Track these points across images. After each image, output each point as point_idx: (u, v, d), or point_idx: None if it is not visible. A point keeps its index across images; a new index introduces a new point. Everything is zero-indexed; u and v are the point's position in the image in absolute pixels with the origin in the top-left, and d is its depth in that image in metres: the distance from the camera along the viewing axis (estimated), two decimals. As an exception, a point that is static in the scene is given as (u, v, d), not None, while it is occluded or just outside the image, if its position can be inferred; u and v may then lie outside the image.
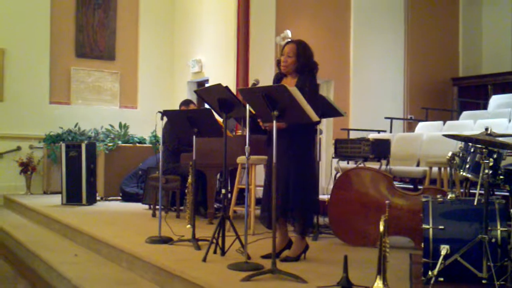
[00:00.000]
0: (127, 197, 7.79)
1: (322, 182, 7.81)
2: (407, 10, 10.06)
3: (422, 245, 3.11)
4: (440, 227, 3.09)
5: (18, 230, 6.11)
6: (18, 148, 8.85)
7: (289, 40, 4.19)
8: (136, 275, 3.99)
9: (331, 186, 4.83)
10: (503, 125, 6.58)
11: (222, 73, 8.42)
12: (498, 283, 2.85)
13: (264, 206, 3.83)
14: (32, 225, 6.53)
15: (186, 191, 5.00)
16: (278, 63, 3.93)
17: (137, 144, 8.78)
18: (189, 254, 4.02)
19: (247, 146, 3.57)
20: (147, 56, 9.95)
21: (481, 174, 3.09)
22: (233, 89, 6.84)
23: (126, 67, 9.85)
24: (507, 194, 3.61)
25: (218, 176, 5.88)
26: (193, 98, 8.20)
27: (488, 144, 3.11)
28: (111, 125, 9.04)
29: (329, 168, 7.95)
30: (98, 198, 7.76)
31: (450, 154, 3.36)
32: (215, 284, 3.16)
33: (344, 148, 5.47)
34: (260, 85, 3.54)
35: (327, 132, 8.84)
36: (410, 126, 9.68)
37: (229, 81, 7.78)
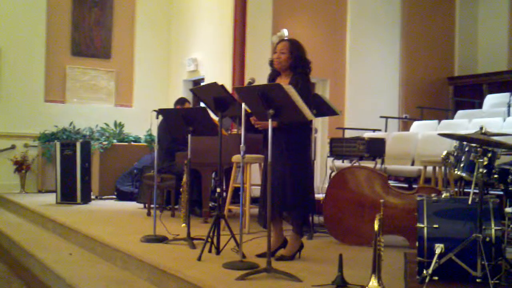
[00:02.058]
0: (122, 196, 7.77)
1: (317, 181, 7.82)
2: (403, 9, 10.08)
3: (417, 244, 3.11)
4: (435, 226, 3.09)
5: (12, 229, 6.08)
6: (13, 147, 8.81)
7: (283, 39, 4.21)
8: (131, 274, 3.98)
9: (326, 185, 4.84)
10: (497, 124, 6.61)
11: (218, 72, 8.41)
12: (492, 282, 2.86)
13: (261, 205, 3.83)
14: (26, 224, 6.51)
15: (181, 190, 4.99)
16: (270, 63, 3.93)
17: (132, 143, 8.76)
18: (184, 253, 4.02)
19: (242, 145, 3.57)
20: (143, 54, 9.93)
21: (475, 173, 3.09)
22: (229, 87, 6.82)
23: (121, 66, 9.82)
24: (501, 193, 3.63)
25: (213, 175, 5.87)
26: (189, 96, 8.18)
27: (482, 143, 3.12)
28: (106, 124, 9.02)
29: (324, 167, 7.96)
30: (92, 197, 7.73)
31: (444, 153, 3.37)
32: (210, 283, 3.16)
33: (339, 147, 5.48)
34: (255, 84, 3.54)
35: (322, 131, 8.85)
36: (405, 125, 9.71)
37: (225, 79, 7.77)
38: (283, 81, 3.79)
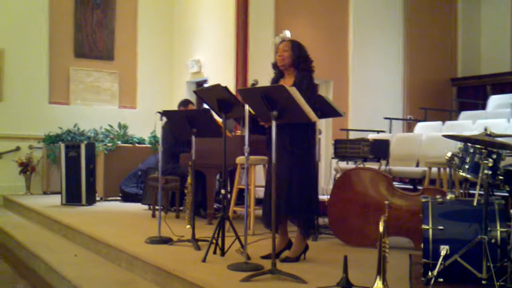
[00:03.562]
0: (127, 197, 7.78)
1: (322, 183, 7.81)
2: (406, 10, 10.07)
3: (422, 245, 3.11)
4: (440, 227, 3.09)
5: (17, 230, 6.10)
6: (18, 148, 8.85)
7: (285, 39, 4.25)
8: (136, 275, 3.99)
9: (330, 187, 4.84)
10: (502, 125, 6.58)
11: (221, 73, 8.42)
12: (497, 283, 2.86)
13: (266, 207, 3.82)
14: (31, 226, 6.53)
15: (185, 191, 5.00)
16: (273, 66, 3.95)
17: (137, 144, 8.78)
18: (189, 254, 4.02)
19: (246, 146, 3.57)
20: (146, 56, 9.95)
21: (480, 175, 3.09)
22: (232, 89, 6.83)
23: (125, 67, 9.84)
24: (507, 194, 3.62)
25: (218, 176, 5.88)
26: (192, 98, 8.19)
27: (487, 144, 3.12)
28: (110, 125, 9.04)
29: (328, 168, 7.96)
30: (97, 198, 7.75)
31: (449, 154, 3.36)
32: (215, 285, 3.17)
33: (344, 148, 5.48)
34: (259, 85, 3.54)
35: (326, 132, 8.84)
36: (409, 126, 9.69)
37: (228, 81, 7.78)
38: (287, 81, 3.81)
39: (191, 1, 9.70)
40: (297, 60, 3.83)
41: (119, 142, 8.47)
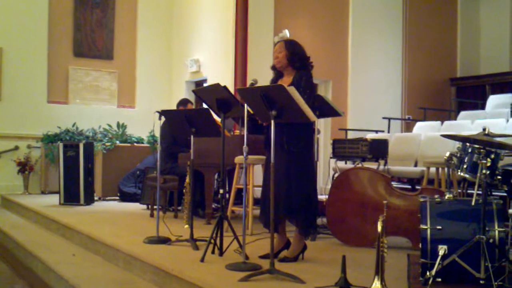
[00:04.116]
0: (125, 197, 7.78)
1: (320, 182, 7.80)
2: (405, 10, 10.07)
3: (420, 245, 3.11)
4: (438, 227, 3.09)
5: (15, 230, 6.10)
6: (16, 148, 8.84)
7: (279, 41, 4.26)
8: (134, 275, 3.99)
9: (329, 186, 4.83)
10: (500, 125, 6.58)
11: (220, 73, 8.42)
12: (495, 283, 2.86)
13: (264, 207, 3.81)
14: (29, 225, 6.52)
15: (184, 191, 4.99)
16: (272, 68, 3.95)
17: (135, 144, 8.78)
18: (187, 254, 4.02)
19: (245, 146, 3.57)
20: (145, 55, 9.94)
21: (478, 175, 3.09)
22: (231, 88, 6.82)
23: (124, 67, 9.83)
24: (505, 194, 3.62)
25: (216, 176, 5.87)
26: (191, 97, 8.19)
27: (485, 144, 3.11)
28: (109, 125, 9.04)
29: (327, 168, 7.97)
30: (96, 198, 7.75)
31: (447, 154, 3.36)
32: (213, 284, 3.16)
33: (342, 148, 5.47)
34: (258, 85, 3.54)
35: (325, 132, 8.85)
36: (408, 126, 9.70)
37: (227, 80, 7.78)
38: (286, 81, 3.81)
39: (190, 0, 9.70)
40: (292, 59, 3.83)
41: (117, 142, 8.46)
